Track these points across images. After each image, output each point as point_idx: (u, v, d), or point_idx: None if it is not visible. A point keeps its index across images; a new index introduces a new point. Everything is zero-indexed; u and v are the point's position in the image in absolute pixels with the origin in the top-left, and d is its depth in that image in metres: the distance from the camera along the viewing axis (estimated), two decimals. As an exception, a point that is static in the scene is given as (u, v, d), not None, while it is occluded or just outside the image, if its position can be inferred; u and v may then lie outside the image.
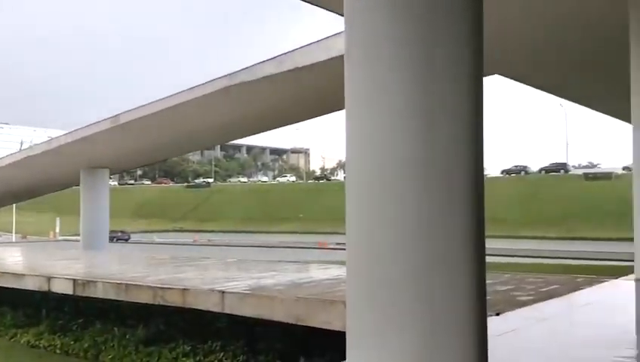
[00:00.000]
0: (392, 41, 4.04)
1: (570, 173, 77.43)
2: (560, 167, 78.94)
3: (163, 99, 24.94)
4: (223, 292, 11.44)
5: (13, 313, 17.24)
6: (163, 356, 12.77)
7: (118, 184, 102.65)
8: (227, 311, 11.39)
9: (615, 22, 10.59)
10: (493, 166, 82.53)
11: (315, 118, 28.62)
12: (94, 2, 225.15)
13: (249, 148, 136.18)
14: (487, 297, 4.27)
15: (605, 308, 8.83)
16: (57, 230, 64.94)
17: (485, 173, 4.68)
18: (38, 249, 38.88)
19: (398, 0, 4.01)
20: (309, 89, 21.15)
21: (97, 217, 33.13)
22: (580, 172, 77.39)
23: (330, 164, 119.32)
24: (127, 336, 13.97)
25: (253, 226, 71.86)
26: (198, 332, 12.88)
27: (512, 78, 17.02)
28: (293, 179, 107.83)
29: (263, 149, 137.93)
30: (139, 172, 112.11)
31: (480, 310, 4.07)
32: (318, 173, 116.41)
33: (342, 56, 4.34)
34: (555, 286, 10.62)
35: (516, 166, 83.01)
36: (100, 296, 14.16)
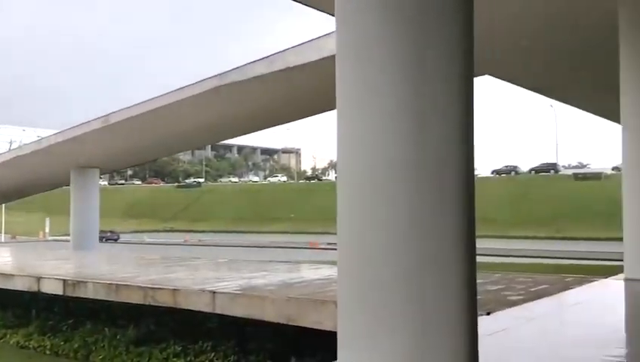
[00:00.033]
0: (384, 42, 4.05)
1: (560, 173, 77.80)
2: (550, 167, 79.31)
3: (154, 98, 24.89)
4: (214, 292, 11.42)
5: (2, 314, 17.13)
6: (154, 356, 12.74)
7: (109, 184, 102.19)
8: (218, 311, 11.37)
9: (604, 22, 10.67)
10: (483, 166, 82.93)
11: (307, 118, 28.66)
12: (84, 1, 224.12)
13: (240, 148, 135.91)
14: (478, 297, 4.29)
15: (595, 307, 8.89)
16: (47, 230, 64.57)
17: (476, 173, 4.70)
18: (28, 249, 38.64)
19: (389, 1, 4.03)
20: (300, 89, 21.17)
21: (87, 217, 33.01)
22: (570, 172, 77.74)
23: (321, 164, 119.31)
24: (118, 337, 13.91)
25: (244, 226, 71.72)
26: (188, 332, 12.85)
27: (502, 79, 17.12)
28: (285, 179, 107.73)
29: (254, 149, 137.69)
30: (129, 172, 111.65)
31: (471, 310, 4.09)
32: (309, 173, 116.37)
33: (333, 57, 4.35)
34: (544, 286, 10.67)
35: (506, 166, 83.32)
36: (91, 297, 14.10)
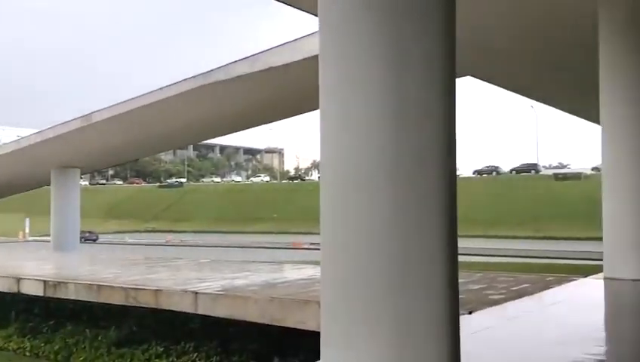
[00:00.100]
0: (366, 43, 4.07)
1: (540, 173, 78.54)
2: (531, 168, 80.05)
3: (135, 98, 24.72)
4: (197, 293, 11.37)
5: (-19, 315, 16.93)
6: (136, 357, 12.66)
7: (90, 184, 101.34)
8: (200, 311, 11.33)
9: (584, 23, 10.79)
10: (465, 166, 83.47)
11: (290, 118, 28.64)
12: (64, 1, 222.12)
13: (222, 148, 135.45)
14: (460, 296, 4.32)
15: (575, 306, 8.98)
16: (27, 230, 63.87)
17: (457, 173, 4.74)
18: (7, 250, 38.16)
19: (372, 2, 4.04)
20: (283, 89, 21.14)
21: (68, 218, 32.70)
22: (550, 172, 78.52)
23: (304, 164, 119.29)
24: (99, 338, 13.81)
25: (227, 226, 71.47)
26: (171, 333, 12.79)
27: (483, 80, 17.25)
28: (267, 179, 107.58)
29: (236, 149, 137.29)
30: (110, 172, 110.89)
31: (453, 309, 4.12)
32: (292, 173, 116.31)
33: (316, 57, 4.36)
34: (526, 285, 10.75)
35: (488, 166, 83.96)
36: (72, 298, 13.98)
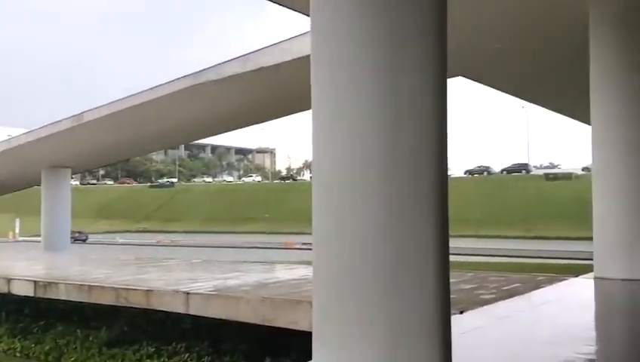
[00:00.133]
0: (358, 42, 4.07)
1: (531, 173, 78.84)
2: (522, 168, 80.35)
3: (126, 97, 24.62)
4: (188, 293, 11.34)
5: (-28, 316, 16.83)
6: (127, 358, 12.62)
7: (80, 184, 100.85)
8: (192, 312, 11.30)
9: (575, 23, 10.84)
10: (456, 166, 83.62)
11: (281, 118, 28.61)
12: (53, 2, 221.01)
13: (214, 148, 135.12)
14: (452, 296, 4.33)
15: (565, 305, 9.02)
16: (17, 231, 63.54)
17: (449, 173, 4.75)
18: (-3, 250, 37.98)
19: (364, 1, 4.05)
20: (275, 89, 21.12)
21: (59, 218, 32.54)
22: (541, 172, 78.84)
23: (296, 164, 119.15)
24: (90, 338, 13.76)
25: (218, 227, 71.33)
26: (162, 333, 12.76)
27: (474, 80, 17.30)
28: (259, 179, 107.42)
29: (228, 149, 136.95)
30: (101, 172, 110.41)
31: (444, 308, 4.13)
32: (284, 173, 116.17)
33: (308, 57, 4.37)
34: (516, 285, 10.79)
35: (479, 166, 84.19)
36: (62, 298, 13.92)
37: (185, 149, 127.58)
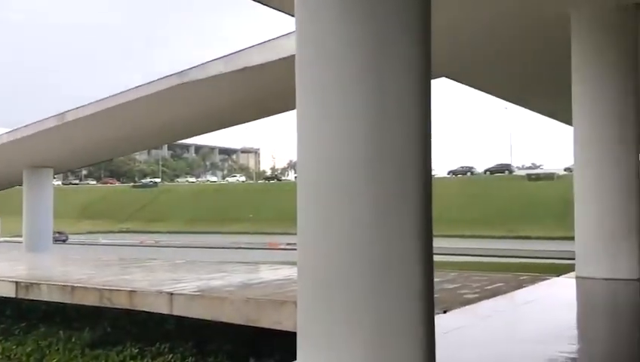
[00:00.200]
0: (343, 41, 4.08)
1: (514, 173, 79.53)
2: (504, 168, 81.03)
3: (111, 97, 24.45)
4: (172, 293, 11.29)
5: (-49, 318, 16.63)
6: (110, 359, 12.53)
7: (62, 184, 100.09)
8: (176, 312, 11.25)
9: (557, 24, 10.94)
10: (440, 166, 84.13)
11: (266, 118, 28.57)
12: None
13: (197, 148, 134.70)
14: (435, 295, 4.35)
15: (548, 304, 9.10)
16: (-2, 231, 62.94)
17: (433, 173, 4.78)
18: (-22, 251, 37.57)
19: (348, 1, 4.06)
20: (259, 89, 21.08)
21: (41, 218, 32.26)
22: (524, 173, 79.58)
23: (280, 164, 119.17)
24: (73, 339, 13.64)
25: (202, 227, 71.17)
26: (146, 334, 12.69)
27: (458, 81, 17.39)
28: (243, 179, 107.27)
29: (212, 149, 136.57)
30: (84, 171, 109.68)
31: (428, 308, 4.15)
32: (268, 173, 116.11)
33: (293, 57, 4.37)
34: (499, 284, 10.85)
35: (462, 167, 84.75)
36: (45, 299, 13.79)
37: (168, 149, 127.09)
